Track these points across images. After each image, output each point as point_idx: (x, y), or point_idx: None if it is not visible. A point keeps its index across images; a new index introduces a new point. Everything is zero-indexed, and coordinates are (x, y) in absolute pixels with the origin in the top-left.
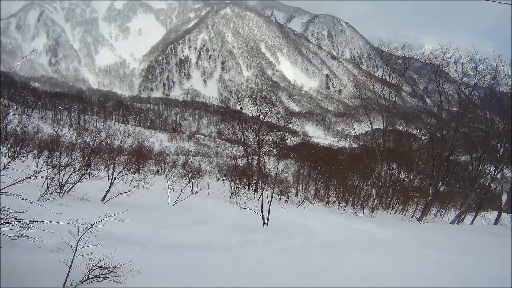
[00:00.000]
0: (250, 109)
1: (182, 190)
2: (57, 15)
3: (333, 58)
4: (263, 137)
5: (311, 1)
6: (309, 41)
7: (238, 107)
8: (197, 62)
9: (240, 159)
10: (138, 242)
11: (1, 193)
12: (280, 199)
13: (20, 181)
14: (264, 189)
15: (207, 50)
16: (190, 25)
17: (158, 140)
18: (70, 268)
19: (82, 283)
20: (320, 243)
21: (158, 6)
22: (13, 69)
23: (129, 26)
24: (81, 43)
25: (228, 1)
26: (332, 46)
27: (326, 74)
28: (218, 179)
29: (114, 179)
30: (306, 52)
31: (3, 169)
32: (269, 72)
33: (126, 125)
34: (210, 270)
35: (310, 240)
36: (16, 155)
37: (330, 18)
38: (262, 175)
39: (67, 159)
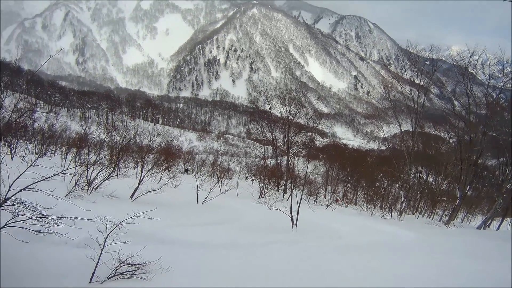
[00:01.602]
0: (279, 110)
1: (211, 189)
2: (83, 15)
3: (361, 59)
4: (292, 137)
5: (338, 2)
6: (337, 42)
7: (267, 108)
8: (225, 62)
9: (269, 160)
10: (166, 240)
11: (29, 189)
12: (308, 200)
13: (48, 177)
14: (293, 190)
15: (235, 50)
16: (218, 25)
17: (187, 139)
18: (97, 264)
19: (109, 280)
20: (345, 244)
21: (185, 6)
22: (40, 68)
23: (156, 26)
24: (108, 43)
25: (255, 1)
26: (360, 47)
27: (355, 75)
28: (247, 177)
29: (143, 177)
30: (334, 53)
31: (31, 165)
32: (297, 73)
33: (154, 124)
34: (235, 269)
35: (335, 242)
36: (43, 152)
37: (357, 18)
38: (291, 175)
39: (95, 156)
